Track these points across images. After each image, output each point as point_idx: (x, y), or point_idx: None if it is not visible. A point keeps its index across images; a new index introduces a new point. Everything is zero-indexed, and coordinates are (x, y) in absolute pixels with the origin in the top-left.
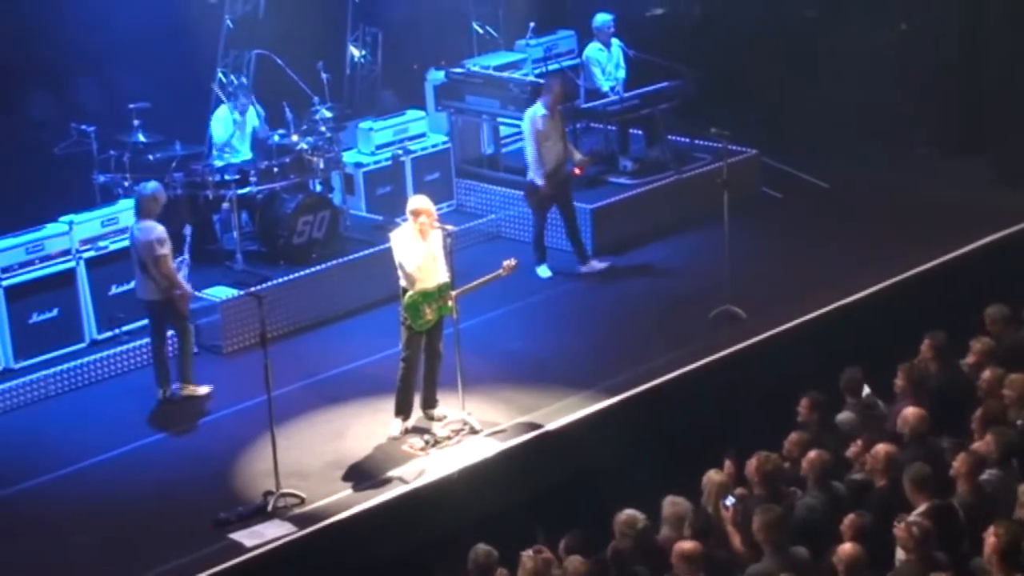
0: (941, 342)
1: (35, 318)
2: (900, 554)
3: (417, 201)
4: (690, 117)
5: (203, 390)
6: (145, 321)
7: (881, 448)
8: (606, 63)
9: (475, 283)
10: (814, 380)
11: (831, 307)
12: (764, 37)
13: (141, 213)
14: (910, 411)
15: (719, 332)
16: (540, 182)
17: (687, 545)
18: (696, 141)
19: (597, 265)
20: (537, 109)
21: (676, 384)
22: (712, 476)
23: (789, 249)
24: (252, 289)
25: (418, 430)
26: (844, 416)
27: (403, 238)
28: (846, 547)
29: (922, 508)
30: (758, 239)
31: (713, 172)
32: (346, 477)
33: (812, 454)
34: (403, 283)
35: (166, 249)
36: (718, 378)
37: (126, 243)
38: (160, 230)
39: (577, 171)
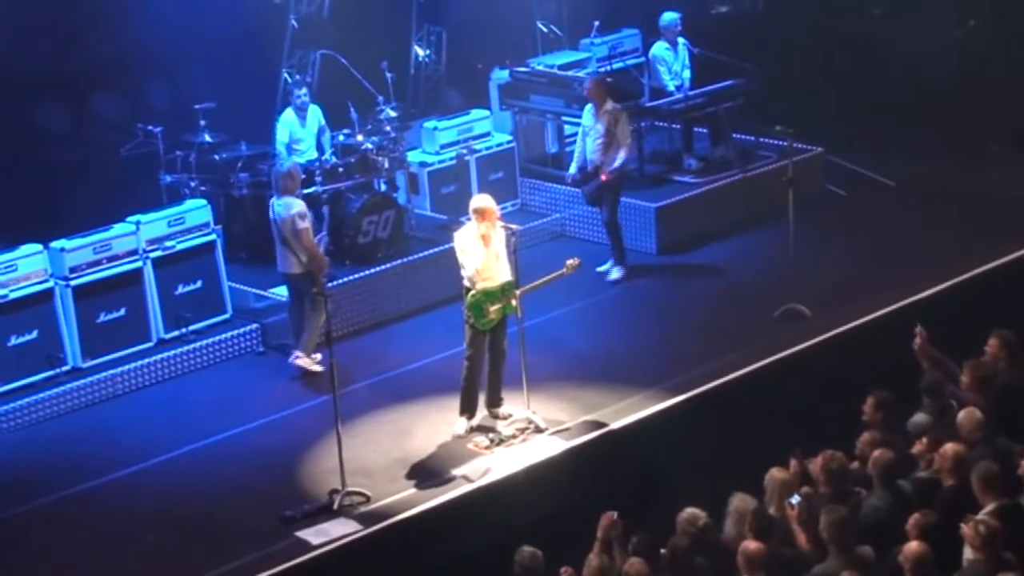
0: (1009, 339)
1: (103, 317)
2: (968, 553)
3: (480, 200)
4: (755, 115)
5: (317, 368)
6: (211, 320)
7: (949, 447)
8: (672, 62)
9: (538, 282)
10: (880, 378)
11: (897, 305)
12: (829, 34)
13: (280, 191)
14: (967, 414)
15: (784, 330)
16: (568, 172)
17: (751, 546)
18: (761, 139)
19: (615, 273)
20: (589, 108)
21: (741, 383)
22: (775, 474)
23: (855, 247)
24: (319, 288)
25: (483, 428)
26: (919, 418)
27: (466, 237)
28: (912, 546)
29: (990, 507)
30: (823, 237)
31: (778, 170)
32: (411, 475)
33: (876, 453)
34: (466, 282)
35: (307, 223)
36: (783, 376)
37: (192, 243)
38: (300, 205)
39: (603, 177)
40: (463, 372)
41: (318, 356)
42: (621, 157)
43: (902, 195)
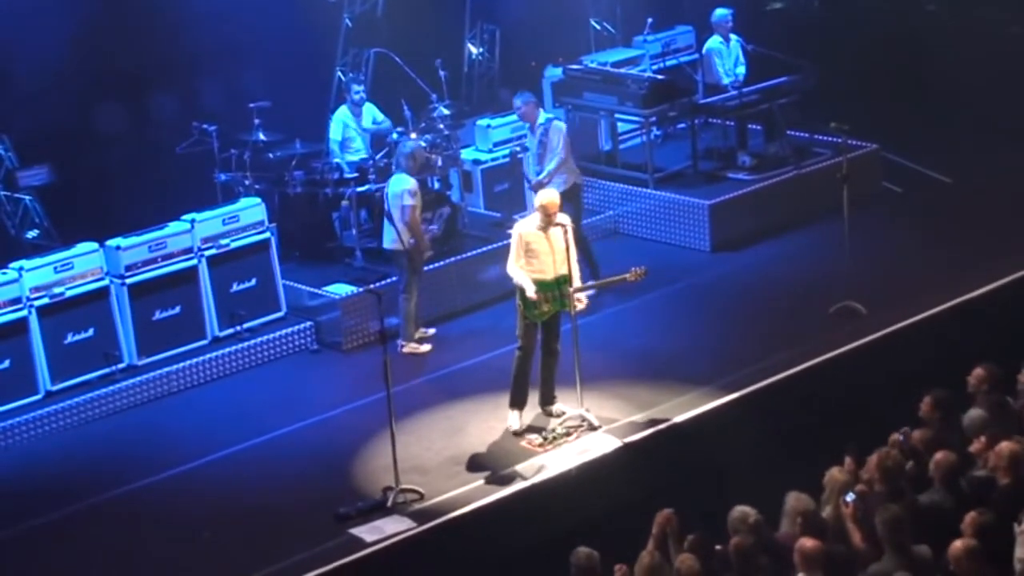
0: None
1: (158, 315)
2: (1020, 552)
3: (544, 195)
4: (810, 111)
5: (426, 348)
6: (266, 318)
7: (1005, 446)
8: (726, 56)
9: (599, 283)
10: (935, 376)
11: (953, 303)
12: (885, 30)
13: (399, 167)
14: None
15: (839, 328)
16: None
17: (808, 543)
18: (816, 136)
19: None
20: None
21: (796, 380)
22: (835, 474)
23: (910, 244)
24: (371, 286)
25: (536, 427)
26: (974, 412)
27: (526, 228)
28: (961, 543)
29: None
30: (879, 234)
31: (833, 167)
32: (465, 473)
33: (939, 455)
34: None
35: (415, 201)
36: (838, 374)
37: (247, 241)
38: (413, 183)
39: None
40: (514, 364)
41: (431, 332)
42: (551, 164)
43: (958, 192)
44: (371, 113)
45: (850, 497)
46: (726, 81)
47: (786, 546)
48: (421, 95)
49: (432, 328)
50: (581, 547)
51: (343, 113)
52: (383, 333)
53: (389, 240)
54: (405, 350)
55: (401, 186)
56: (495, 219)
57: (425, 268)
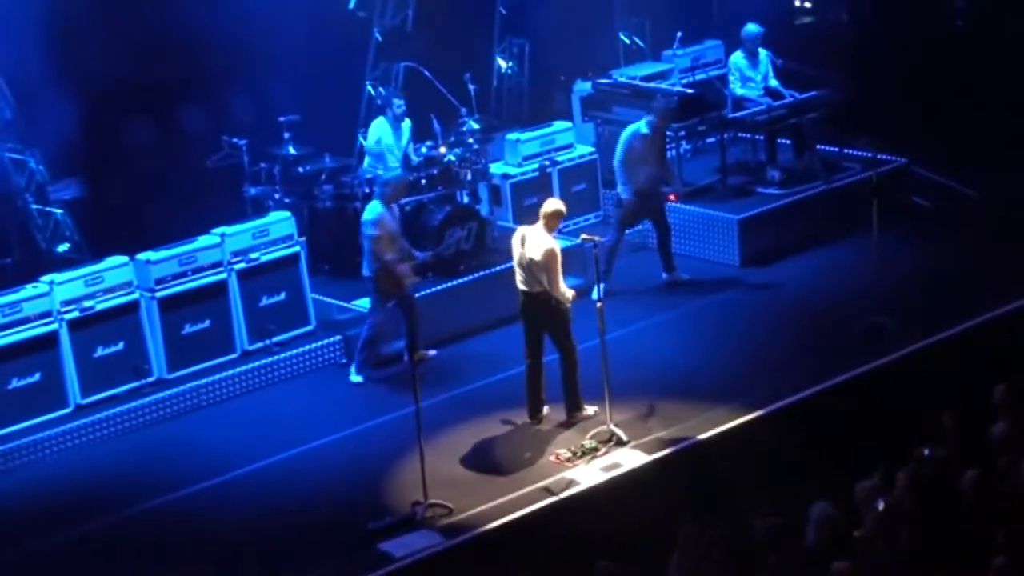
0: None
1: (188, 329)
2: None
3: (554, 203)
4: (839, 126)
5: (430, 352)
6: (295, 332)
7: None
8: (747, 71)
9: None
10: (964, 393)
11: (982, 319)
12: (913, 44)
13: (376, 194)
14: None
15: (868, 343)
16: (625, 196)
17: (842, 567)
18: (845, 150)
19: (683, 276)
20: (640, 127)
21: (824, 396)
22: (863, 484)
23: (939, 260)
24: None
25: (566, 441)
26: (1000, 427)
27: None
28: (1000, 559)
29: None
30: (908, 249)
31: (862, 181)
32: (494, 488)
33: (968, 472)
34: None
35: (377, 231)
36: (867, 390)
37: (276, 255)
38: (376, 213)
39: (672, 198)
40: (575, 360)
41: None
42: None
43: (988, 207)
44: (408, 129)
45: (881, 505)
46: (739, 94)
47: (813, 555)
48: (450, 109)
49: (433, 351)
50: (602, 560)
51: (382, 124)
52: (412, 347)
53: (364, 267)
54: (354, 378)
55: (367, 215)
56: None
57: (455, 282)
